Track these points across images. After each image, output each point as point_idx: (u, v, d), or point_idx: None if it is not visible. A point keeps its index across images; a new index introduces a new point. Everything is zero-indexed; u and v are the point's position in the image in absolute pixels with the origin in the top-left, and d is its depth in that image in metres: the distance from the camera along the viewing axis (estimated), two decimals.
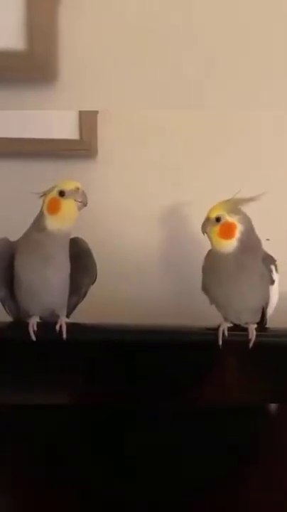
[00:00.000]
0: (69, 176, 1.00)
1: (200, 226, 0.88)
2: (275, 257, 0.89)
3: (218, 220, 0.85)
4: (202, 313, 0.94)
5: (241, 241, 0.84)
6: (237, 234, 0.84)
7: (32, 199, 0.92)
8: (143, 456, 0.88)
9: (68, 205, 0.85)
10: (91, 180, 1.01)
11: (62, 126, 1.01)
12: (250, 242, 0.85)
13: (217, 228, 0.85)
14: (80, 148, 1.01)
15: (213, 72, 0.96)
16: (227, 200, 0.85)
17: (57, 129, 1.01)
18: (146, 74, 0.96)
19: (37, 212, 0.88)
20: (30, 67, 0.94)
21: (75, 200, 0.85)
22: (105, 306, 0.95)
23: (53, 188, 0.86)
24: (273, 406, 0.88)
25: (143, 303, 1.02)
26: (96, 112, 1.00)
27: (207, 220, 0.86)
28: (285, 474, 0.88)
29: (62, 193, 0.85)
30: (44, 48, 0.93)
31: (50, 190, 0.86)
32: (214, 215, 0.85)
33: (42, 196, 0.87)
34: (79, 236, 0.90)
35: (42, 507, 0.90)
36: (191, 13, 0.95)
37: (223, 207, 0.85)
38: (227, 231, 0.84)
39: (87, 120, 1.01)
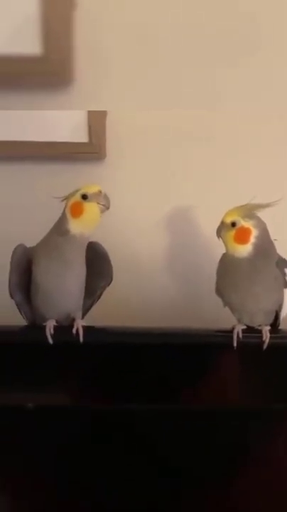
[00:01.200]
0: (77, 179, 1.01)
1: (208, 229, 0.89)
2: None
3: (233, 224, 0.86)
4: (209, 316, 0.96)
5: (256, 245, 0.86)
6: (252, 239, 0.86)
7: (41, 204, 0.93)
8: (157, 459, 0.90)
9: (91, 208, 0.86)
10: (99, 182, 1.00)
11: (71, 129, 1.02)
12: (264, 246, 0.87)
13: (232, 233, 0.86)
14: (89, 151, 1.02)
15: (223, 74, 0.97)
16: (243, 206, 0.87)
17: (66, 131, 1.01)
18: (162, 78, 0.96)
19: (46, 217, 0.88)
20: (45, 72, 0.94)
21: (98, 203, 0.86)
22: (112, 308, 0.96)
23: (76, 191, 0.87)
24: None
25: (148, 305, 1.03)
26: (105, 115, 1.01)
27: (222, 224, 0.87)
28: None
29: (84, 197, 0.86)
30: (59, 53, 0.93)
31: (72, 194, 0.87)
32: (229, 220, 0.86)
33: (63, 200, 0.88)
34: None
35: (42, 507, 0.91)
36: (202, 15, 0.95)
37: (238, 212, 0.86)
38: (242, 236, 0.86)
39: (96, 123, 1.01)
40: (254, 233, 0.86)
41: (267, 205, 0.86)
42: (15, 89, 0.96)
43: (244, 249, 0.86)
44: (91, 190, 0.87)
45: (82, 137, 1.02)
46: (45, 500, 0.90)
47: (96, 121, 1.01)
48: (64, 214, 0.87)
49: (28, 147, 1.01)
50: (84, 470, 0.89)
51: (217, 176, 1.04)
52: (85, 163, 1.03)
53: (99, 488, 0.90)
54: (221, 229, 0.87)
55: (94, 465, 0.89)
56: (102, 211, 0.87)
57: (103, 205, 0.87)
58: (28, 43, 0.93)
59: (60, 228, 0.87)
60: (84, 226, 0.87)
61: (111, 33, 0.95)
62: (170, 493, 0.89)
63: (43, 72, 0.94)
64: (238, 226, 0.86)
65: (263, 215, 0.88)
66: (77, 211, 0.86)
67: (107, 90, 0.97)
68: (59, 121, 1.01)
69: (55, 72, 0.94)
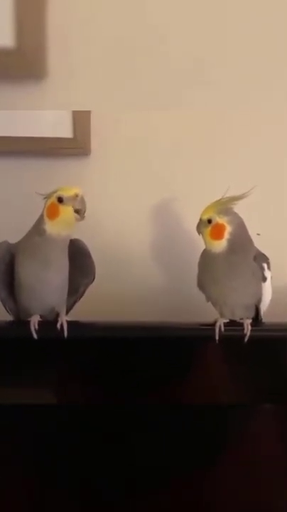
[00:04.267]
0: (62, 174, 1.03)
1: (194, 223, 0.90)
2: (268, 252, 0.91)
3: (209, 221, 0.88)
4: (196, 309, 0.96)
5: (231, 241, 0.87)
6: (226, 235, 0.87)
7: (26, 199, 0.93)
8: (144, 453, 0.91)
9: (66, 212, 0.86)
10: (84, 178, 1.03)
11: (56, 125, 1.02)
12: (240, 241, 0.88)
13: (208, 229, 0.88)
14: (74, 146, 1.03)
15: (205, 71, 0.98)
16: (218, 201, 0.88)
17: (50, 127, 1.02)
18: (137, 72, 0.97)
19: (31, 212, 0.89)
20: (18, 65, 0.94)
21: (73, 207, 0.86)
22: (99, 303, 0.96)
23: (53, 192, 0.87)
24: (269, 399, 0.91)
25: (136, 299, 1.04)
26: (89, 111, 1.01)
27: (200, 221, 0.89)
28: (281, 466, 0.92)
29: (60, 199, 0.86)
30: (33, 45, 0.93)
31: (50, 195, 0.87)
32: (205, 217, 0.88)
33: (44, 199, 0.88)
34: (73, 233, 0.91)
35: (42, 506, 0.93)
36: (188, 10, 0.95)
37: (213, 209, 0.88)
38: (217, 232, 0.87)
39: (81, 118, 1.02)
40: (228, 229, 0.87)
41: (241, 197, 0.87)
42: None
43: (219, 245, 0.88)
44: (67, 193, 0.86)
45: (66, 133, 1.02)
46: (33, 498, 0.92)
47: (81, 116, 1.02)
48: (42, 214, 0.88)
49: (13, 143, 1.02)
50: (70, 465, 0.91)
51: (202, 169, 1.05)
52: (70, 159, 1.03)
53: (86, 481, 0.91)
54: (200, 225, 0.89)
55: (80, 460, 0.90)
56: (77, 220, 0.86)
57: (78, 209, 0.85)
58: (0, 36, 0.93)
59: (38, 228, 0.88)
60: (60, 228, 0.87)
61: (85, 25, 0.95)
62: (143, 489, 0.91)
63: (16, 65, 0.94)
64: (213, 223, 0.87)
65: (247, 209, 0.89)
66: (52, 213, 0.86)
67: (81, 84, 0.97)
68: (43, 117, 1.02)
69: (28, 65, 0.94)
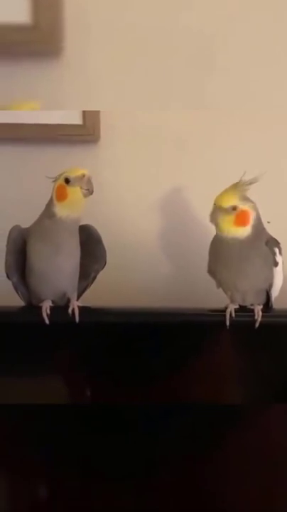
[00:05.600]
0: (72, 161, 1.02)
1: (202, 211, 0.90)
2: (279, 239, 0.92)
3: (234, 208, 0.86)
4: (203, 297, 0.97)
5: (254, 227, 0.87)
6: (251, 221, 0.87)
7: (35, 184, 0.94)
8: (150, 439, 0.91)
9: (74, 193, 0.86)
10: (94, 165, 1.02)
11: (65, 112, 1.02)
12: (260, 227, 0.88)
13: (232, 217, 0.86)
14: (83, 133, 1.03)
15: (216, 62, 0.99)
16: (235, 188, 0.87)
17: (60, 114, 1.02)
18: (152, 54, 0.97)
19: (41, 198, 0.89)
20: (35, 41, 0.94)
21: (81, 188, 0.86)
22: (107, 290, 0.96)
23: (61, 174, 0.87)
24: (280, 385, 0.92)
25: (144, 287, 1.04)
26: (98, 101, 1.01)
27: (219, 209, 0.86)
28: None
29: (67, 180, 0.86)
30: (49, 22, 0.94)
31: (58, 177, 0.87)
32: (228, 204, 0.86)
33: (54, 181, 0.88)
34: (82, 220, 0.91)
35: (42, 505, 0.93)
36: (195, 10, 0.97)
37: (235, 195, 0.86)
38: (243, 219, 0.86)
39: None
40: (253, 215, 0.87)
41: (253, 181, 0.86)
42: (4, 57, 0.96)
43: (244, 232, 0.87)
44: (73, 173, 0.86)
45: (75, 119, 1.02)
46: (34, 490, 0.93)
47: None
48: (51, 196, 0.88)
49: (22, 129, 1.02)
50: (79, 453, 0.91)
51: (211, 158, 1.05)
52: (79, 146, 1.03)
53: (91, 468, 0.91)
54: (218, 213, 0.87)
55: (89, 446, 0.91)
56: (85, 195, 0.86)
57: (86, 189, 0.86)
58: (17, 12, 0.93)
59: (48, 211, 0.88)
60: (69, 210, 0.87)
61: (102, 2, 0.95)
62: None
63: (33, 41, 0.95)
64: (238, 210, 0.86)
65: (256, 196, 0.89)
66: (61, 195, 0.86)
67: (97, 59, 0.97)
68: (52, 103, 1.01)
69: (44, 41, 0.95)
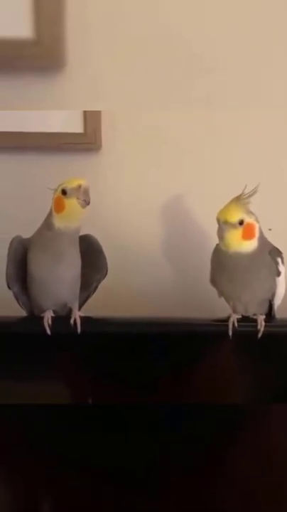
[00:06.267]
0: (73, 169, 1.02)
1: (204, 218, 0.89)
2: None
3: (241, 223, 0.85)
4: (205, 304, 0.97)
5: (259, 239, 0.87)
6: (257, 233, 0.86)
7: (37, 194, 0.93)
8: (158, 447, 0.91)
9: (71, 204, 0.85)
10: (95, 173, 1.03)
11: (66, 120, 1.01)
12: (263, 237, 0.88)
13: (239, 231, 0.85)
14: (84, 141, 1.02)
15: (218, 66, 0.98)
16: (237, 201, 0.86)
17: (61, 122, 1.01)
18: (154, 67, 0.97)
19: (42, 207, 0.89)
20: (37, 56, 0.94)
21: (77, 199, 0.85)
22: (108, 297, 0.96)
23: (59, 185, 0.86)
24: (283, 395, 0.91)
25: (145, 294, 1.04)
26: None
27: (225, 224, 0.85)
28: None
29: (64, 192, 0.85)
30: (51, 37, 0.93)
31: (57, 188, 0.87)
32: (235, 219, 0.85)
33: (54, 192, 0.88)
34: (83, 228, 0.90)
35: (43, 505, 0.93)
36: (197, 11, 0.96)
37: (240, 209, 0.85)
38: (250, 232, 0.86)
39: (91, 114, 1.01)
40: (258, 227, 0.87)
41: (253, 193, 0.85)
42: (7, 72, 0.96)
43: (251, 245, 0.86)
44: (70, 185, 0.85)
45: (77, 128, 1.02)
46: (36, 493, 0.93)
47: (92, 112, 1.01)
48: (51, 208, 0.87)
49: (23, 138, 1.01)
50: (82, 458, 0.91)
51: (213, 165, 1.04)
52: (81, 154, 1.03)
53: (94, 475, 0.91)
54: (225, 229, 0.85)
55: (92, 453, 0.90)
56: (82, 206, 0.85)
57: (83, 200, 0.85)
58: (20, 27, 0.93)
59: (47, 222, 0.88)
60: (67, 221, 0.86)
61: (103, 16, 0.95)
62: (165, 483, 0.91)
63: (35, 56, 0.94)
64: (245, 223, 0.85)
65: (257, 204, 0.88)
66: (58, 207, 0.86)
67: (99, 74, 0.97)
68: (53, 112, 1.01)
69: (47, 55, 0.94)
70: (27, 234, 0.90)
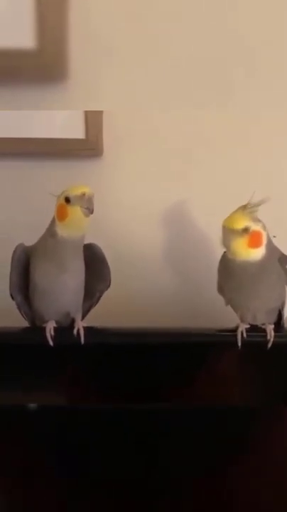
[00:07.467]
0: (74, 175, 1.01)
1: (207, 225, 0.88)
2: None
3: (246, 230, 0.83)
4: (209, 313, 0.95)
5: (267, 247, 0.85)
6: (264, 241, 0.84)
7: (39, 200, 0.91)
8: (163, 460, 0.89)
9: (74, 212, 0.83)
10: (97, 179, 1.01)
11: (68, 126, 1.00)
12: (271, 245, 0.86)
13: (245, 239, 0.83)
14: (86, 147, 1.00)
15: (221, 72, 0.97)
16: (244, 210, 0.84)
17: (62, 128, 1.00)
18: (155, 75, 0.96)
19: (45, 213, 0.87)
20: (40, 66, 0.93)
21: (81, 207, 0.83)
22: (110, 306, 0.94)
23: (63, 192, 0.84)
24: None
25: (148, 303, 1.02)
26: (101, 111, 1.00)
27: (231, 231, 0.83)
28: None
29: (67, 200, 0.83)
30: (54, 47, 0.93)
31: (60, 195, 0.85)
32: (240, 227, 0.83)
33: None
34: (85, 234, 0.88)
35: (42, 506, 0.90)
36: (198, 15, 0.95)
37: (246, 217, 0.83)
38: (256, 240, 0.83)
39: (93, 120, 1.00)
40: (265, 235, 0.84)
41: (262, 202, 0.83)
42: (9, 83, 0.95)
43: (258, 253, 0.84)
44: (73, 192, 0.82)
45: (78, 134, 1.00)
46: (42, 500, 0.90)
47: (93, 117, 1.00)
48: (54, 216, 0.85)
49: (25, 144, 0.99)
50: (85, 470, 0.88)
51: (215, 171, 1.03)
52: (82, 160, 1.01)
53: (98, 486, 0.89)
54: (230, 236, 0.83)
55: (95, 465, 0.88)
56: (86, 215, 0.83)
57: (86, 208, 0.82)
58: (22, 37, 0.93)
59: (50, 230, 0.85)
60: (71, 229, 0.84)
61: (107, 25, 0.94)
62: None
63: (38, 66, 0.94)
64: (251, 231, 0.83)
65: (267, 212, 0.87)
66: (61, 215, 0.83)
67: (103, 84, 0.96)
68: (55, 118, 1.00)
69: (49, 65, 0.94)
70: (28, 241, 0.88)
